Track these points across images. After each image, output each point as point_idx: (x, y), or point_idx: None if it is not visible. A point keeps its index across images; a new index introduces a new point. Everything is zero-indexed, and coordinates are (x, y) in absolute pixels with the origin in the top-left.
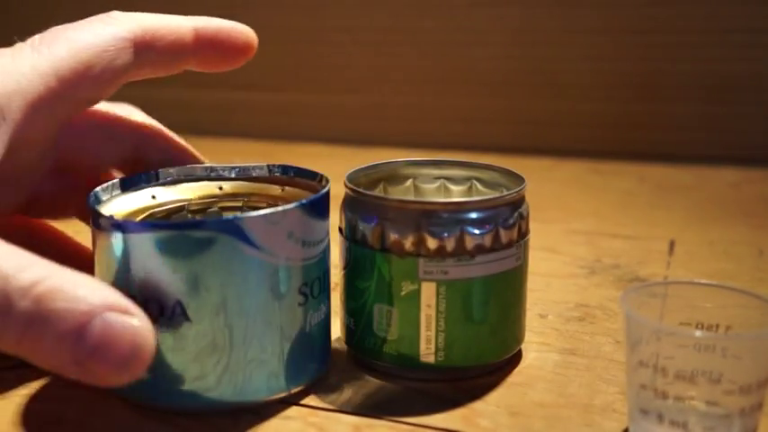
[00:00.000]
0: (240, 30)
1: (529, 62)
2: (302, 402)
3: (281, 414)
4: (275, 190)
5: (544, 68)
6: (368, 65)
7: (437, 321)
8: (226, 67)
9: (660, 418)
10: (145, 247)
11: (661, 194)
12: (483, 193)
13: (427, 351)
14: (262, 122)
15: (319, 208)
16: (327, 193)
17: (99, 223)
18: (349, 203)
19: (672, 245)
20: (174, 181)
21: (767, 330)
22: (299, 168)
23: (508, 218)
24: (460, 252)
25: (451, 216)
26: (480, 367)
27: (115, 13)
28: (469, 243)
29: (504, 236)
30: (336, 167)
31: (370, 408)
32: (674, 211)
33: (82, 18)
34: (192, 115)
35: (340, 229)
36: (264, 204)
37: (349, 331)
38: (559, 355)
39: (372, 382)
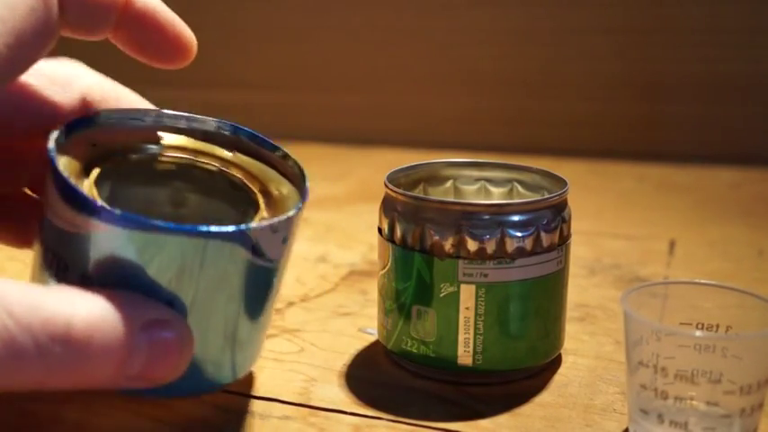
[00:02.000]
0: (176, 23)
1: (529, 62)
2: (302, 402)
3: (281, 414)
4: (224, 152)
5: (544, 68)
6: (368, 65)
7: (475, 324)
8: (152, 58)
9: (660, 418)
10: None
11: (661, 194)
12: (524, 196)
13: (465, 353)
14: (262, 122)
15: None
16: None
17: (99, 212)
18: (389, 204)
19: (672, 245)
20: (115, 125)
21: (767, 330)
22: (251, 132)
23: (550, 221)
24: (501, 254)
25: (492, 218)
26: (519, 371)
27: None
28: (510, 246)
29: (546, 239)
30: (336, 167)
31: (370, 408)
32: (674, 211)
33: None
34: None
35: (379, 230)
36: (216, 167)
37: (386, 332)
38: (560, 355)
39: (372, 383)
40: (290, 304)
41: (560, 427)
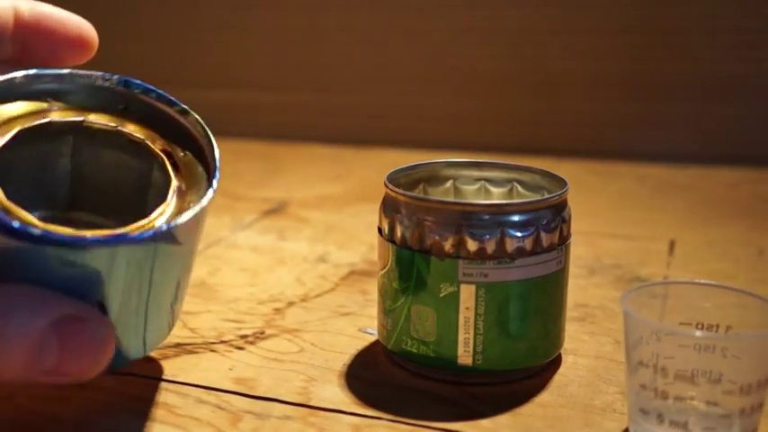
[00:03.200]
0: (77, 23)
1: (529, 62)
2: (302, 402)
3: (280, 414)
4: (115, 108)
5: (544, 68)
6: (368, 65)
7: (475, 324)
8: (61, 61)
9: (660, 418)
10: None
11: (661, 194)
12: (524, 196)
13: (465, 353)
14: (262, 122)
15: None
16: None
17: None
18: (389, 204)
19: (672, 245)
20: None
21: (767, 330)
22: (146, 86)
23: (550, 221)
24: (501, 254)
25: (492, 218)
26: (518, 371)
27: None
28: (510, 246)
29: (546, 239)
30: (336, 167)
31: (370, 408)
32: (674, 212)
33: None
34: None
35: (379, 230)
36: (112, 127)
37: (386, 332)
38: (560, 355)
39: (372, 383)
40: (290, 304)
41: (560, 427)
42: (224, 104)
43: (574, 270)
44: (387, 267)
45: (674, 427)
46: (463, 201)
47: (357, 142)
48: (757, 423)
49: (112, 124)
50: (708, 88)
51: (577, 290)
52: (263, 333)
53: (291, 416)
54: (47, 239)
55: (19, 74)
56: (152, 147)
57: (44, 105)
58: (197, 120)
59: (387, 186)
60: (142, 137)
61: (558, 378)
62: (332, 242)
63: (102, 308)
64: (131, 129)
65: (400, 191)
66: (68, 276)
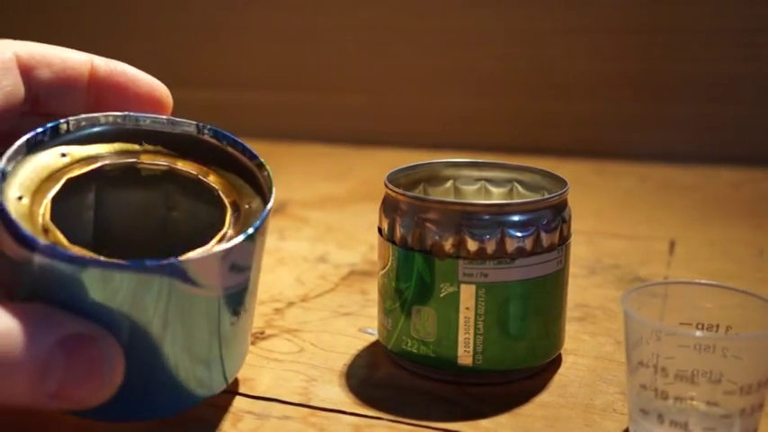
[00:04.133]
0: (148, 81)
1: (529, 62)
2: (302, 402)
3: (281, 414)
4: (199, 160)
5: (544, 68)
6: (368, 65)
7: (475, 324)
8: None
9: (660, 418)
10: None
11: (661, 194)
12: (524, 196)
13: (465, 353)
14: (262, 122)
15: (262, 230)
16: (269, 213)
17: (38, 248)
18: (389, 204)
19: (672, 245)
20: (85, 134)
21: (767, 330)
22: (233, 138)
23: (550, 221)
24: (501, 254)
25: (493, 218)
26: (519, 371)
27: (1, 40)
28: (510, 246)
29: (546, 239)
30: (336, 167)
31: (370, 408)
32: (675, 211)
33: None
34: (192, 115)
35: (379, 230)
36: (194, 173)
37: (386, 332)
38: (560, 355)
39: (372, 383)
40: (290, 304)
41: (560, 427)
42: (224, 104)
43: (574, 270)
44: (387, 267)
45: (675, 427)
46: (463, 201)
47: (357, 142)
48: (758, 423)
49: (194, 172)
50: (710, 88)
51: (577, 290)
52: (263, 333)
53: (291, 416)
54: (50, 252)
55: (117, 114)
56: (223, 198)
57: (136, 147)
58: (269, 175)
59: (387, 186)
60: (218, 187)
61: (558, 378)
62: (332, 242)
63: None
64: (212, 179)
65: (400, 191)
66: (80, 298)
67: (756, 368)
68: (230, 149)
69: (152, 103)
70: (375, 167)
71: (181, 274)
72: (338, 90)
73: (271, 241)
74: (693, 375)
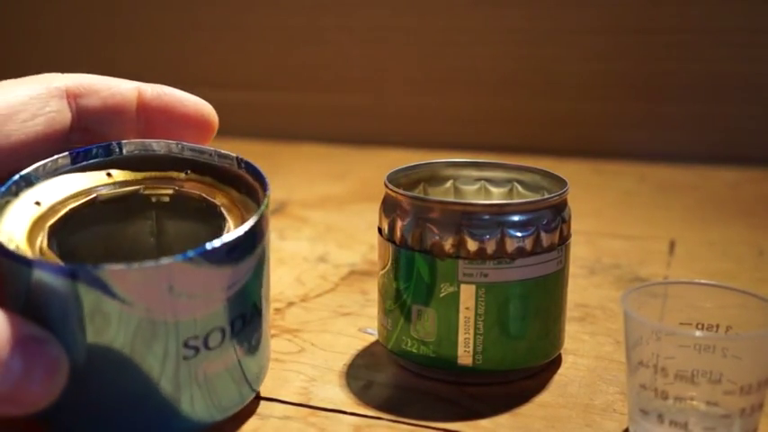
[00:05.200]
0: (195, 102)
1: (529, 62)
2: (302, 402)
3: (281, 414)
4: (178, 174)
5: (544, 68)
6: (368, 65)
7: (475, 324)
8: (182, 138)
9: (660, 418)
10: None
11: (661, 194)
12: (524, 196)
13: (465, 353)
14: (262, 122)
15: (220, 256)
16: (236, 240)
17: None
18: (389, 204)
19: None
20: (134, 157)
21: (767, 330)
22: (199, 148)
23: (550, 221)
24: (501, 255)
25: (492, 218)
26: (519, 371)
27: (52, 73)
28: (510, 246)
29: (546, 239)
30: (336, 167)
31: (370, 408)
32: (674, 211)
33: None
34: None
35: (379, 230)
36: (172, 189)
37: (386, 332)
38: (560, 355)
39: (372, 383)
40: (290, 304)
41: (560, 427)
42: (224, 104)
43: (574, 270)
44: (387, 267)
45: (675, 427)
46: (463, 201)
47: (357, 142)
48: (757, 423)
49: (170, 187)
50: (709, 88)
51: (577, 290)
52: None
53: (291, 416)
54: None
55: (163, 141)
56: (213, 201)
57: (181, 175)
58: (248, 163)
59: (387, 186)
60: (201, 193)
61: (558, 378)
62: (332, 242)
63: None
64: (192, 188)
65: (400, 191)
66: (21, 297)
67: (756, 368)
68: (201, 157)
69: (199, 123)
70: (375, 167)
71: (99, 283)
72: (338, 90)
73: (271, 241)
74: (693, 375)
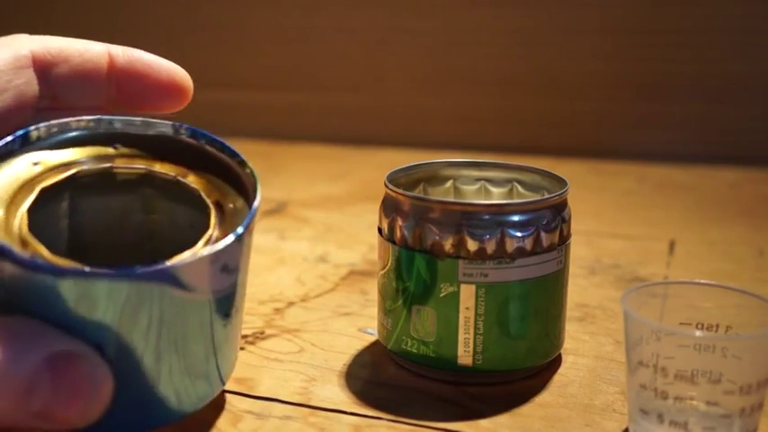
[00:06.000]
0: (168, 68)
1: (529, 62)
2: (302, 402)
3: (281, 414)
4: (178, 161)
5: (544, 68)
6: (368, 65)
7: (475, 324)
8: (154, 106)
9: (660, 418)
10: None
11: (661, 194)
12: (524, 196)
13: (465, 353)
14: (262, 122)
15: (250, 229)
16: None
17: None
18: (389, 204)
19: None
20: (57, 140)
21: (767, 330)
22: (212, 137)
23: (550, 221)
24: (501, 254)
25: (492, 218)
26: (519, 371)
27: (19, 36)
28: (510, 246)
29: (546, 239)
30: (336, 167)
31: (370, 408)
32: (674, 212)
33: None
34: (192, 115)
35: (379, 230)
36: (173, 174)
37: (386, 332)
38: (560, 355)
39: (372, 383)
40: (290, 304)
41: (560, 427)
42: (224, 104)
43: (574, 270)
44: (387, 267)
45: (674, 427)
46: (463, 201)
47: (357, 142)
48: (757, 423)
49: (172, 173)
50: (709, 88)
51: (577, 290)
52: (263, 333)
53: (291, 416)
54: (31, 264)
55: (90, 118)
56: (205, 198)
57: (110, 151)
58: (252, 172)
59: (387, 186)
60: (199, 188)
61: (558, 378)
62: (332, 242)
63: (101, 351)
64: (191, 179)
65: (400, 191)
66: (62, 312)
67: (756, 368)
68: (209, 148)
69: (173, 89)
70: (375, 167)
71: (172, 279)
72: (338, 90)
73: (271, 241)
74: (693, 375)
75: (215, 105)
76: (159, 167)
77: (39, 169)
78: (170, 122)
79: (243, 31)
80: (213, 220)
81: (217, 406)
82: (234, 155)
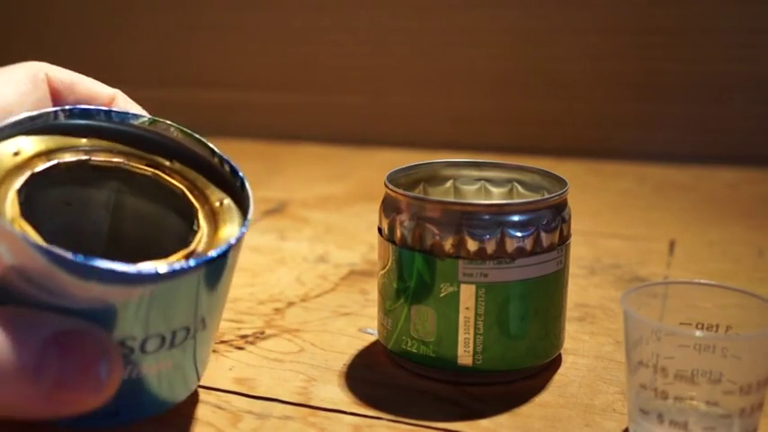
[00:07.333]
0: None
1: (529, 62)
2: (302, 402)
3: (280, 414)
4: (161, 159)
5: (544, 68)
6: (368, 65)
7: (475, 324)
8: None
9: (660, 418)
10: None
11: (661, 194)
12: (524, 196)
13: (465, 353)
14: (262, 122)
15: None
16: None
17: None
18: (389, 204)
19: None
20: (35, 129)
21: (767, 330)
22: (189, 132)
23: (550, 221)
24: (501, 254)
25: (492, 218)
26: (518, 371)
27: (33, 62)
28: (510, 246)
29: (546, 239)
30: (336, 167)
31: (370, 408)
32: (674, 212)
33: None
34: (192, 115)
35: (379, 230)
36: (150, 173)
37: (386, 332)
38: (560, 355)
39: (372, 383)
40: (290, 304)
41: (560, 427)
42: (224, 104)
43: (574, 270)
44: (387, 267)
45: (674, 426)
46: (463, 201)
47: (357, 142)
48: (757, 423)
49: (151, 169)
50: (708, 88)
51: (577, 290)
52: (263, 333)
53: (291, 416)
54: (41, 249)
55: (64, 108)
56: (189, 196)
57: (83, 142)
58: (232, 168)
59: (387, 186)
60: (182, 186)
61: (558, 378)
62: (332, 242)
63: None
64: (172, 176)
65: (400, 191)
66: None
67: (756, 368)
68: (187, 143)
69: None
70: (375, 167)
71: (217, 267)
72: (338, 90)
73: (271, 241)
74: (693, 375)
75: (215, 105)
76: (136, 162)
77: (20, 159)
78: (147, 117)
79: (243, 32)
80: (202, 220)
81: (217, 406)
82: (212, 153)
